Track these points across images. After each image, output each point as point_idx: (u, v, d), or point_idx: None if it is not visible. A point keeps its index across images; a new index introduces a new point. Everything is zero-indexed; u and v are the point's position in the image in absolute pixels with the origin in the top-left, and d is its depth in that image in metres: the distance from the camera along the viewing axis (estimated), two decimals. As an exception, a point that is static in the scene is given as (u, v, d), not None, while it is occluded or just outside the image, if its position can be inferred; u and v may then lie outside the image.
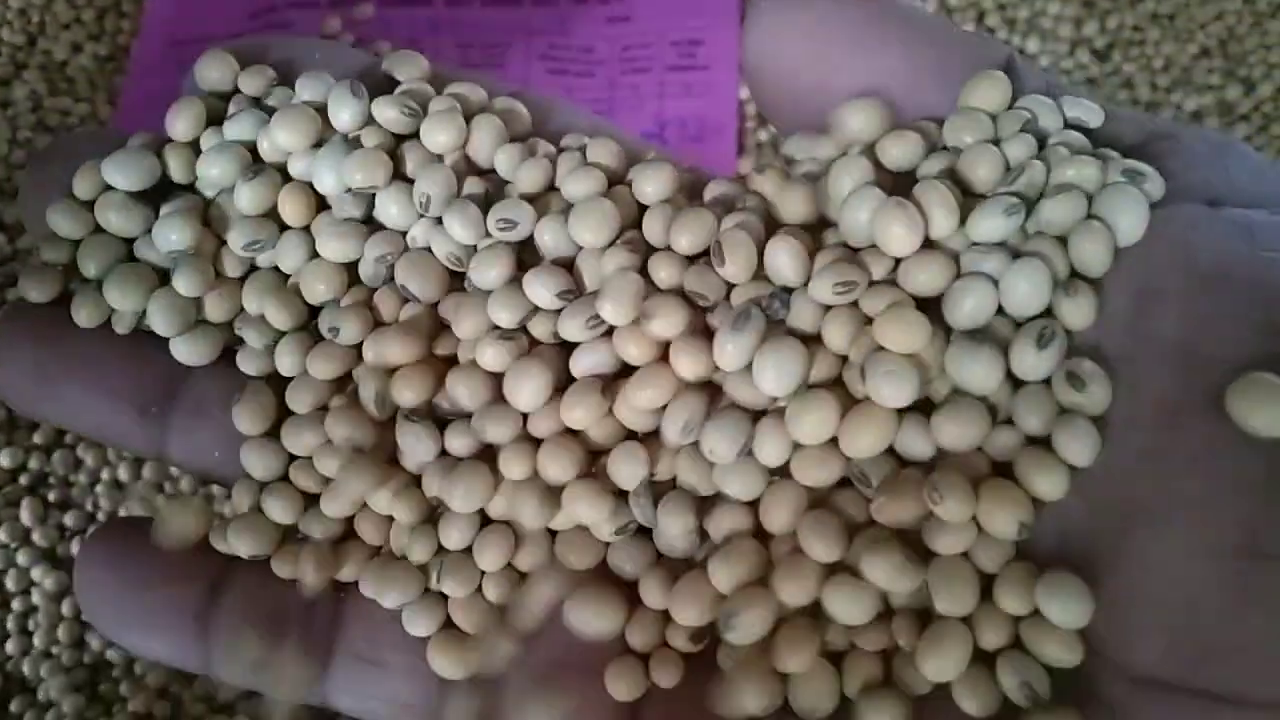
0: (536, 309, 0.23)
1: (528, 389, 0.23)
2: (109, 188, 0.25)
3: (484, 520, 0.24)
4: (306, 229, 0.25)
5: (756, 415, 0.22)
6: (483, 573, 0.23)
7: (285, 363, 0.24)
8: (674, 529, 0.22)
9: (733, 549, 0.22)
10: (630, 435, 0.23)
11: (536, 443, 0.23)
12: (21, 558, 0.45)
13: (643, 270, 0.23)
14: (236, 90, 0.26)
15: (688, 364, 0.22)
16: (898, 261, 0.22)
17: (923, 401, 0.22)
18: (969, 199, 0.22)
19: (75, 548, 0.45)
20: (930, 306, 0.22)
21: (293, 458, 0.24)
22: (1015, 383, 0.22)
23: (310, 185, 0.25)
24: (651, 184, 0.24)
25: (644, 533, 0.23)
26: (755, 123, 0.54)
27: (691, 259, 0.23)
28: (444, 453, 0.23)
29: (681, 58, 0.56)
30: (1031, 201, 0.22)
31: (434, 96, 0.25)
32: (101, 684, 0.44)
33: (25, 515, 0.45)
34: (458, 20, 0.57)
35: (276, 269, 0.25)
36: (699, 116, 0.54)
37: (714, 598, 0.22)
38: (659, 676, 0.23)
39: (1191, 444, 0.20)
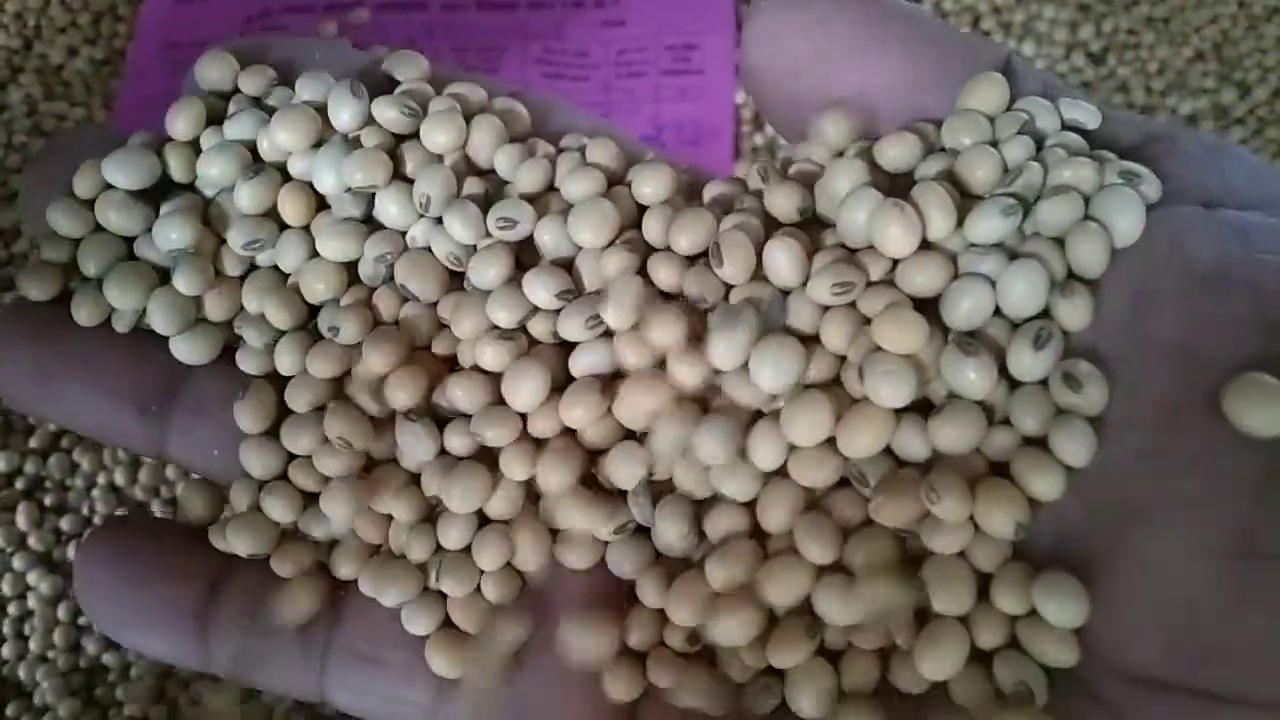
0: (536, 309, 0.23)
1: (526, 389, 0.23)
2: (109, 186, 0.25)
3: (483, 520, 0.23)
4: (306, 228, 0.25)
5: (754, 417, 0.22)
6: (482, 572, 0.23)
7: (285, 362, 0.24)
8: (670, 533, 0.22)
9: (730, 549, 0.22)
10: (629, 434, 0.23)
11: (536, 443, 0.23)
12: (17, 562, 0.45)
13: (642, 270, 0.23)
14: (236, 90, 0.26)
15: (686, 373, 0.22)
16: (895, 262, 0.22)
17: (921, 402, 0.22)
18: (967, 200, 0.22)
19: (71, 552, 0.45)
20: (928, 307, 0.22)
21: (292, 457, 0.24)
22: (1012, 383, 0.22)
23: (310, 185, 0.25)
24: (650, 184, 0.24)
25: (643, 532, 0.23)
26: (751, 126, 0.55)
27: (691, 260, 0.23)
28: (443, 451, 0.23)
29: (677, 62, 0.56)
30: (1029, 203, 0.22)
31: (434, 97, 0.25)
32: (97, 688, 0.44)
33: (21, 519, 0.45)
34: (453, 24, 0.57)
35: (276, 268, 0.25)
36: (695, 120, 0.54)
37: (711, 598, 0.22)
38: (656, 676, 0.23)
39: (1189, 444, 0.20)
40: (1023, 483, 0.21)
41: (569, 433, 0.23)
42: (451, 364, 0.24)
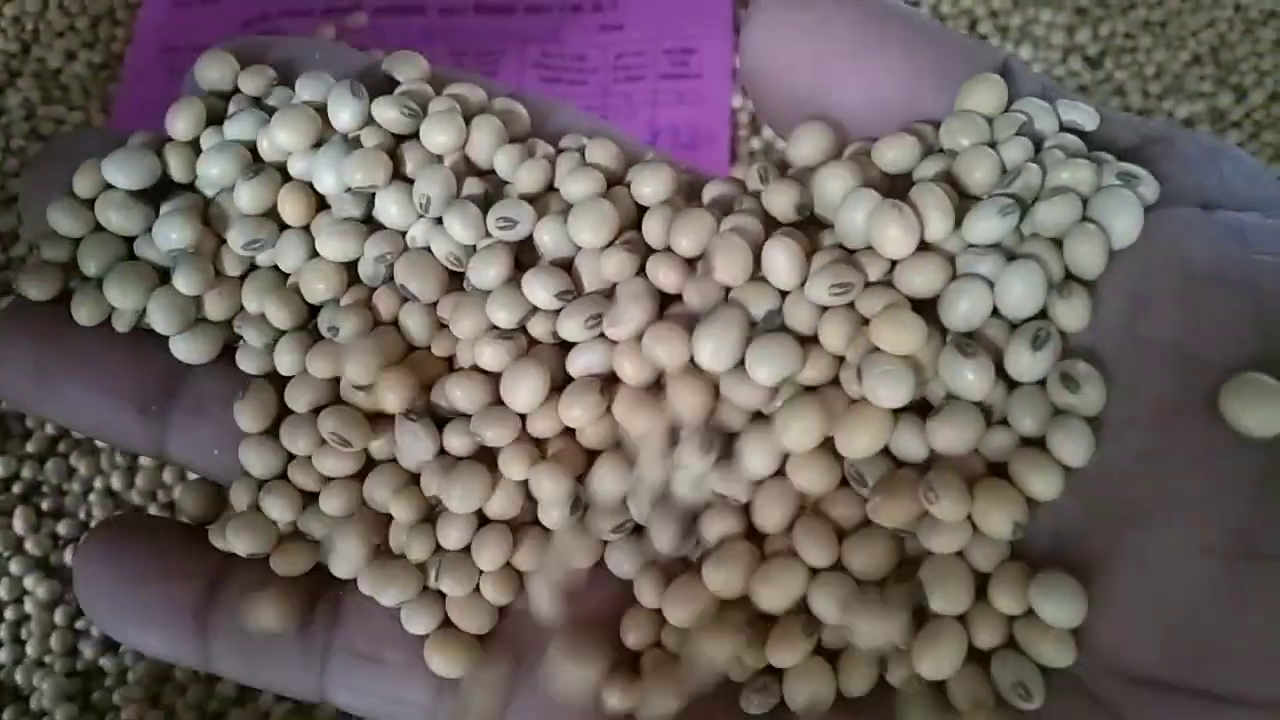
0: (535, 309, 0.23)
1: (525, 389, 0.23)
2: (109, 186, 0.25)
3: (482, 520, 0.23)
4: (306, 228, 0.25)
5: (751, 419, 0.22)
6: (481, 572, 0.23)
7: (285, 362, 0.24)
8: (663, 538, 0.23)
9: (726, 552, 0.22)
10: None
11: (535, 442, 0.23)
12: (14, 566, 0.44)
13: (641, 271, 0.23)
14: (236, 90, 0.26)
15: (685, 398, 0.22)
16: (894, 263, 0.22)
17: (919, 402, 0.22)
18: (965, 201, 0.22)
19: (69, 557, 0.45)
20: (926, 308, 0.22)
21: (291, 456, 0.24)
22: (1010, 384, 0.22)
23: (310, 185, 0.25)
24: (650, 185, 0.24)
25: (641, 531, 0.23)
26: (748, 131, 0.55)
27: (691, 262, 0.23)
28: (443, 451, 0.23)
29: (674, 66, 0.56)
30: (1027, 204, 0.22)
31: (433, 97, 0.25)
32: (94, 692, 0.43)
33: (18, 524, 0.45)
34: (451, 28, 0.57)
35: (276, 268, 0.25)
36: (692, 125, 0.54)
37: (708, 600, 0.22)
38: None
39: (1187, 445, 0.20)
40: (1021, 483, 0.21)
41: (568, 432, 0.23)
42: (451, 364, 0.24)
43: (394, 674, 0.24)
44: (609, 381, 0.23)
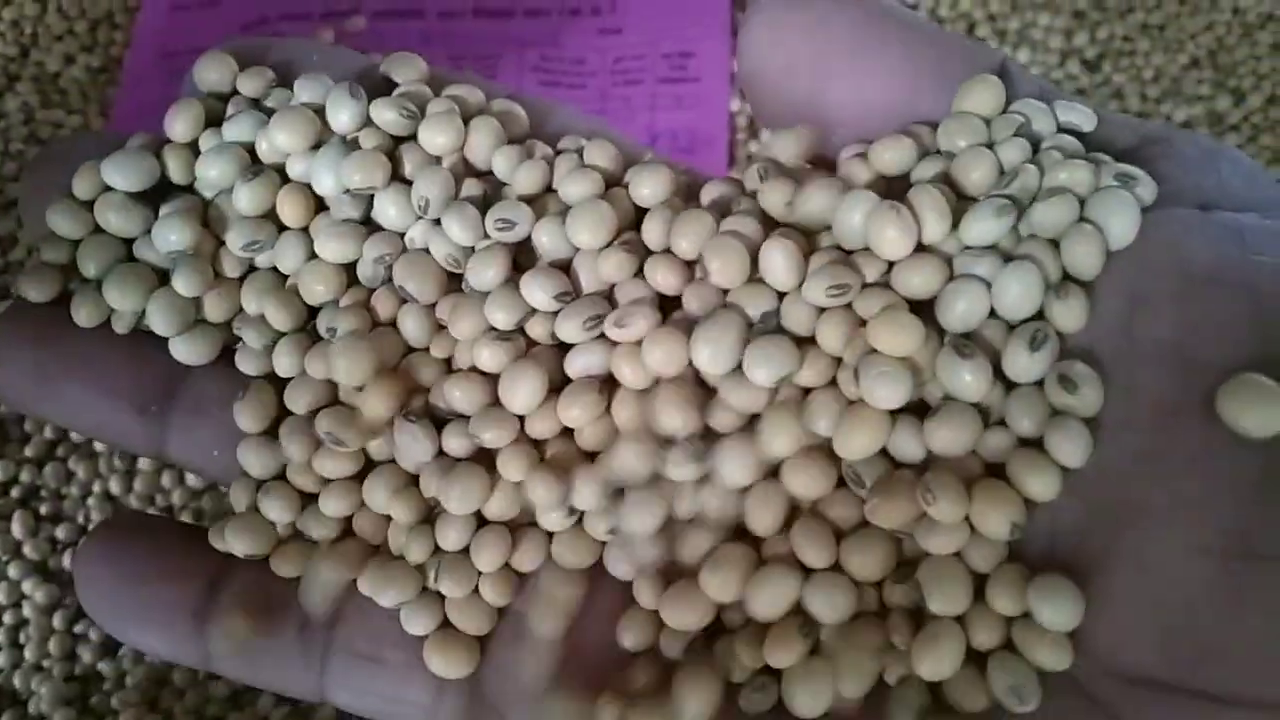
0: (534, 310, 0.23)
1: (523, 391, 0.23)
2: (108, 188, 0.25)
3: (481, 521, 0.23)
4: (305, 230, 0.25)
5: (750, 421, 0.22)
6: (480, 573, 0.23)
7: (283, 363, 0.24)
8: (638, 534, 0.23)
9: (722, 557, 0.22)
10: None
11: (534, 443, 0.23)
12: (13, 571, 0.44)
13: (639, 272, 0.23)
14: (235, 91, 0.26)
15: (673, 414, 0.22)
16: (891, 264, 0.22)
17: (917, 403, 0.22)
18: (963, 203, 0.22)
19: (67, 561, 0.45)
20: (924, 308, 0.22)
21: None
22: (1008, 385, 0.22)
23: (309, 186, 0.25)
24: (648, 186, 0.24)
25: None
26: (746, 134, 0.55)
27: (690, 262, 0.23)
28: (442, 453, 0.23)
29: (673, 70, 0.56)
30: (1024, 205, 0.22)
31: (432, 98, 0.25)
32: (92, 697, 0.43)
33: (16, 528, 0.45)
34: (449, 32, 0.57)
35: (275, 269, 0.25)
36: (690, 128, 0.54)
37: (706, 604, 0.22)
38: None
39: (1185, 445, 0.20)
40: (1019, 484, 0.21)
41: (567, 433, 0.23)
42: (449, 365, 0.24)
43: (394, 674, 0.24)
44: (608, 382, 0.23)
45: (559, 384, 0.23)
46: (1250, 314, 0.20)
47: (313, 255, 0.25)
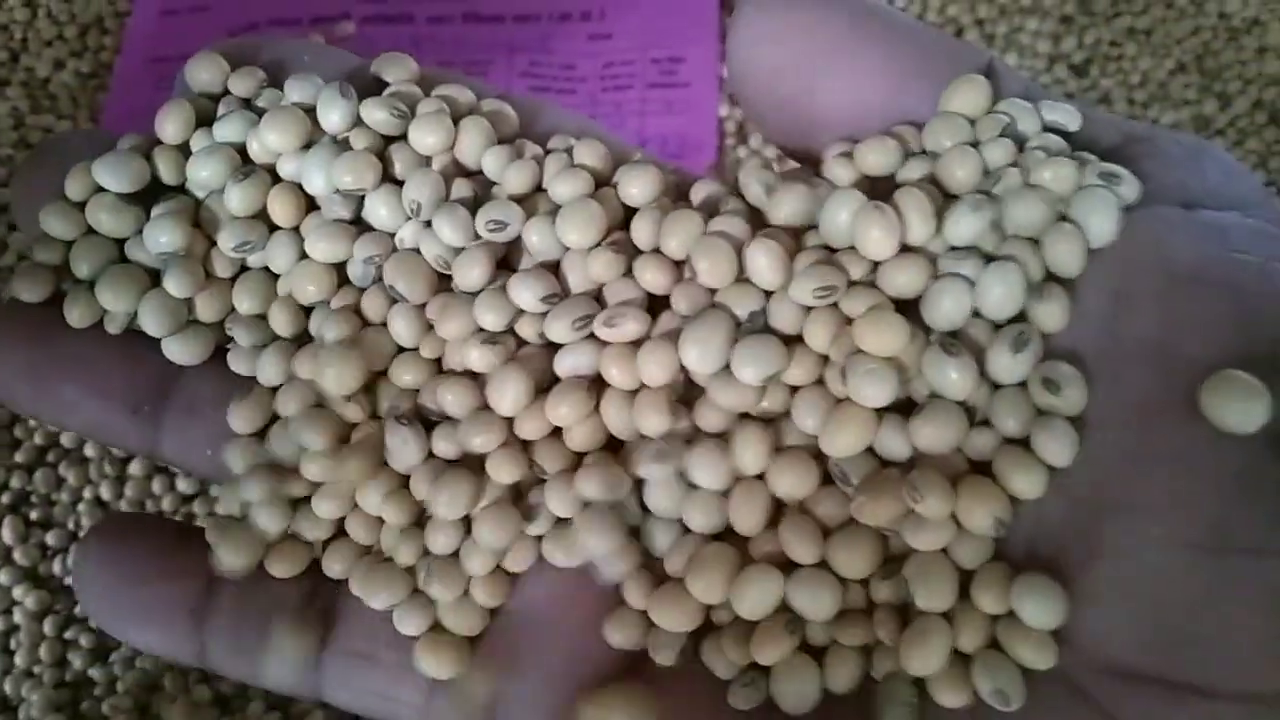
0: (522, 312, 0.23)
1: (510, 394, 0.23)
2: (100, 189, 0.25)
3: (472, 524, 0.23)
4: (296, 230, 0.25)
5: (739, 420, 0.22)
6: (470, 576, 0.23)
7: (267, 372, 0.24)
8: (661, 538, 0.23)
9: (707, 557, 0.22)
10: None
11: (524, 444, 0.23)
12: (3, 577, 0.44)
13: (628, 271, 0.23)
14: (226, 92, 0.26)
15: (654, 419, 0.22)
16: (877, 263, 0.22)
17: (903, 401, 0.22)
18: (949, 203, 0.22)
19: (57, 566, 0.45)
20: (909, 308, 0.22)
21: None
22: (993, 384, 0.22)
23: (300, 186, 0.25)
24: (637, 186, 0.24)
25: (630, 532, 0.23)
26: (735, 139, 0.55)
27: (679, 262, 0.23)
28: (432, 454, 0.23)
29: (662, 75, 0.56)
30: (1002, 201, 0.22)
31: (422, 98, 0.25)
32: (83, 703, 0.43)
33: (7, 534, 0.45)
34: (439, 37, 0.57)
35: (267, 270, 0.25)
36: (679, 133, 0.54)
37: (694, 605, 0.22)
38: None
39: (1168, 442, 0.20)
40: (1004, 481, 0.21)
41: (556, 432, 0.23)
42: (439, 365, 0.24)
43: (388, 673, 0.24)
44: (596, 382, 0.23)
45: (549, 384, 0.23)
46: (1232, 311, 0.20)
47: (304, 255, 0.25)
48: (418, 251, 0.24)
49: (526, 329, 0.23)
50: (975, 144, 0.23)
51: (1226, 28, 0.56)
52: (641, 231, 0.23)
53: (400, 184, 0.24)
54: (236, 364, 0.25)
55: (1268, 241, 0.21)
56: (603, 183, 0.24)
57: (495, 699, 0.23)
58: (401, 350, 0.24)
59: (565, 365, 0.23)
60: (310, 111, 0.25)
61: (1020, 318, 0.22)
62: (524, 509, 0.23)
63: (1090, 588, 0.20)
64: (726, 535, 0.23)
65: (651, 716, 0.22)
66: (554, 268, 0.24)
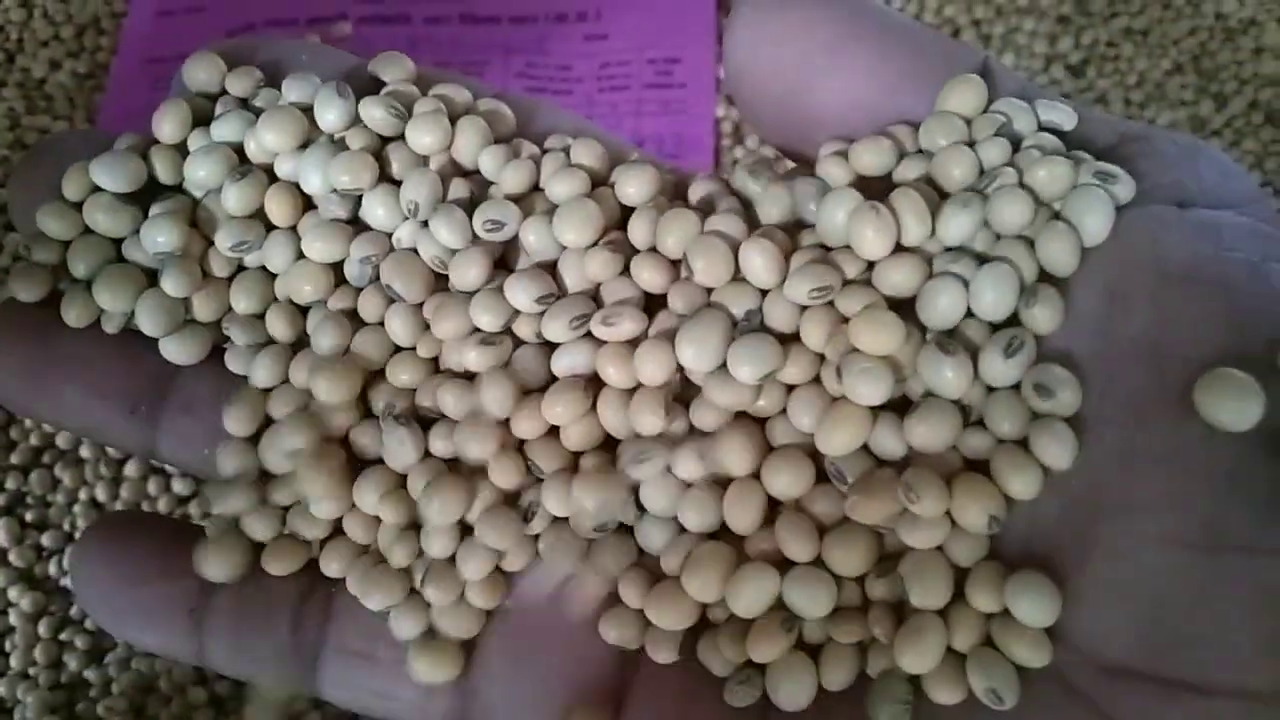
0: (518, 312, 0.23)
1: (500, 397, 0.23)
2: (97, 189, 0.25)
3: (468, 528, 0.23)
4: (294, 229, 0.25)
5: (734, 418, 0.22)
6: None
7: (260, 375, 0.24)
8: (655, 537, 0.23)
9: (703, 556, 0.22)
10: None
11: (520, 444, 0.23)
12: (-2, 578, 0.44)
13: (625, 271, 0.23)
14: (223, 91, 0.26)
15: (648, 420, 0.22)
16: (872, 262, 0.22)
17: (898, 399, 0.22)
18: (944, 201, 0.22)
19: (53, 568, 0.45)
20: (904, 307, 0.22)
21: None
22: (988, 385, 0.22)
23: (297, 186, 0.25)
24: (634, 185, 0.24)
25: (626, 530, 0.23)
26: (731, 140, 0.55)
27: (675, 261, 0.23)
28: (429, 454, 0.23)
29: (659, 75, 0.56)
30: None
31: (419, 98, 0.25)
32: (79, 704, 0.43)
33: (2, 535, 0.45)
34: (436, 38, 0.57)
35: (264, 269, 0.25)
36: (676, 134, 0.55)
37: (692, 603, 0.22)
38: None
39: (1161, 440, 0.20)
40: (1000, 481, 0.21)
41: (553, 431, 0.23)
42: (435, 365, 0.24)
43: (386, 671, 0.24)
44: (593, 381, 0.23)
45: (546, 383, 0.23)
46: (1226, 310, 0.20)
47: (301, 255, 0.25)
48: (415, 251, 0.24)
49: (523, 329, 0.23)
50: (971, 143, 0.23)
51: (1223, 28, 0.57)
52: (638, 231, 0.23)
53: (397, 184, 0.24)
54: (234, 363, 0.25)
55: (1262, 241, 0.21)
56: (600, 182, 0.24)
57: (495, 699, 0.23)
58: (398, 350, 0.24)
59: (562, 364, 0.23)
60: (307, 111, 0.25)
61: (1015, 318, 0.22)
62: (519, 509, 0.23)
63: (1085, 586, 0.20)
64: (722, 534, 0.23)
65: None
66: (551, 267, 0.24)
